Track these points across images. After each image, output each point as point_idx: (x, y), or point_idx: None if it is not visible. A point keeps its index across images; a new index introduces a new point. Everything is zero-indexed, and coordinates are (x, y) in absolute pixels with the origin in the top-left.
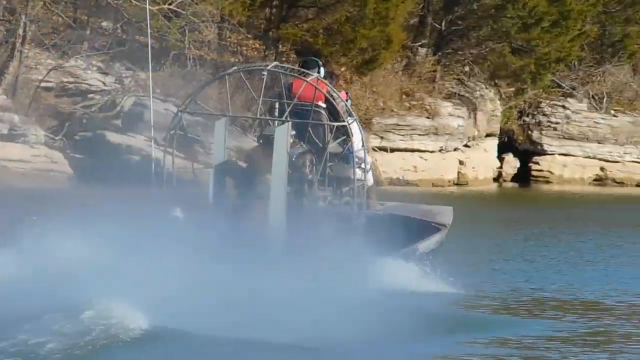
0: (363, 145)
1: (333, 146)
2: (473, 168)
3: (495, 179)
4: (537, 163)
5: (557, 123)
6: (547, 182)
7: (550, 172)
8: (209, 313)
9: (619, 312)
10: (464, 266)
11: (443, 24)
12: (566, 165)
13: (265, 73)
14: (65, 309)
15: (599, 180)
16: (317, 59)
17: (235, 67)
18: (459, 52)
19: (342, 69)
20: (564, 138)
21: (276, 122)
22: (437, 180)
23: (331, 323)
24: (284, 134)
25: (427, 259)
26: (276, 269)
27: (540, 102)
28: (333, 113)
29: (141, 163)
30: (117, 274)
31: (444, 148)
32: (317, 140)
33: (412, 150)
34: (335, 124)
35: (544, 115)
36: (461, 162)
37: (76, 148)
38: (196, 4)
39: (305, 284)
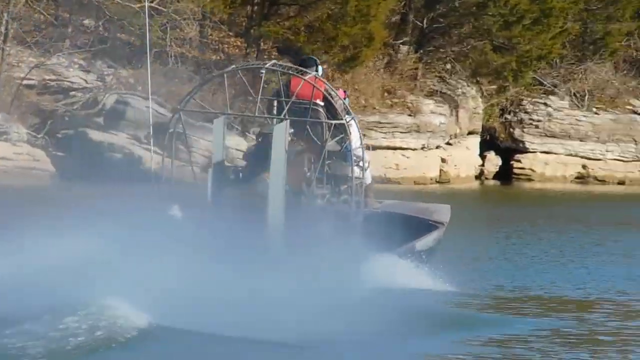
0: (361, 144)
1: (331, 144)
2: (455, 166)
3: (477, 177)
4: (519, 161)
5: (538, 121)
6: (529, 180)
7: (532, 170)
8: (206, 312)
9: (602, 309)
10: (447, 264)
11: (424, 21)
12: (548, 163)
13: (264, 71)
14: (64, 308)
15: (581, 178)
16: (315, 58)
17: (234, 66)
18: (441, 50)
19: (324, 66)
20: (546, 136)
21: (274, 120)
22: (419, 178)
23: (324, 321)
24: (282, 132)
25: (425, 256)
26: (273, 268)
27: (522, 100)
28: (331, 111)
29: (123, 161)
30: (115, 273)
31: (426, 146)
32: (316, 138)
33: (394, 148)
34: (334, 121)
35: (526, 112)
36: (443, 160)
37: (58, 146)
38: (178, 1)
39: (301, 282)
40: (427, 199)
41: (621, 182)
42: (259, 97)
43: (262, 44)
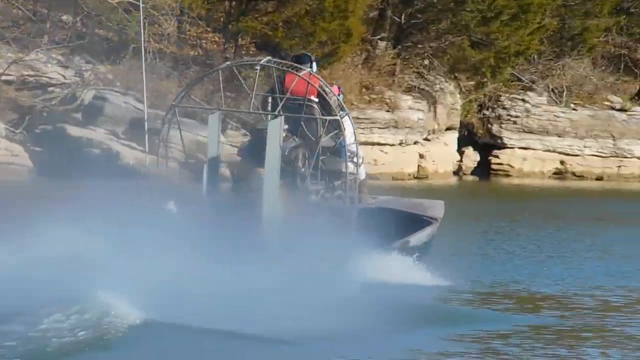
0: (355, 140)
1: (325, 140)
2: (433, 161)
3: (455, 173)
4: (497, 156)
5: (516, 116)
6: (507, 175)
7: (510, 166)
8: (199, 307)
9: (580, 305)
10: (426, 260)
11: (402, 17)
12: (526, 159)
13: (258, 67)
14: (60, 302)
15: (559, 174)
16: (309, 54)
17: (229, 62)
18: (419, 46)
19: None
20: (524, 131)
21: (269, 116)
22: (397, 174)
23: (314, 317)
24: (276, 128)
25: (419, 251)
26: (268, 263)
27: (500, 96)
28: (325, 107)
29: (101, 156)
30: (111, 268)
31: (404, 141)
32: (310, 134)
33: (372, 144)
34: (328, 117)
35: (504, 108)
36: (421, 156)
37: (36, 141)
38: None
39: (294, 278)
40: (406, 195)
41: (599, 178)
42: (254, 93)
43: (240, 39)
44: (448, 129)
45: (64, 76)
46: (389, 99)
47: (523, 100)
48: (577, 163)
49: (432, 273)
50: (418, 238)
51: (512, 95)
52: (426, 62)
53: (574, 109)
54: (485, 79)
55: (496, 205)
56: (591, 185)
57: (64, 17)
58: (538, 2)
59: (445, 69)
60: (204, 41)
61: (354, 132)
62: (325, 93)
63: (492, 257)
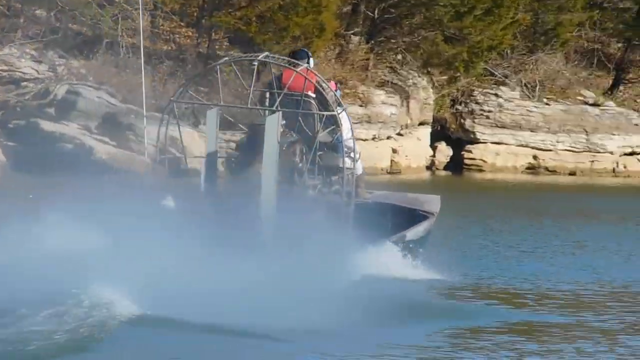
0: (352, 135)
1: (323, 135)
2: (406, 156)
3: (428, 167)
4: (470, 151)
5: (489, 111)
6: (480, 170)
7: (483, 161)
8: (194, 301)
9: (553, 300)
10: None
11: (376, 12)
12: (499, 154)
13: (256, 63)
14: (57, 295)
15: (532, 169)
16: (306, 50)
17: (227, 58)
18: (392, 41)
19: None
20: (497, 126)
21: (267, 111)
22: (370, 169)
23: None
24: (274, 123)
25: (415, 246)
26: (264, 258)
27: (473, 91)
28: (323, 103)
29: (74, 151)
30: (108, 261)
31: (377, 136)
32: (307, 130)
33: None
34: (325, 113)
35: (477, 103)
36: (394, 151)
37: (10, 136)
38: None
39: (289, 272)
40: (378, 190)
41: (572, 173)
42: (252, 88)
43: (213, 34)
44: (421, 123)
45: (37, 71)
46: (362, 93)
47: (496, 95)
48: (550, 158)
49: (423, 268)
50: (414, 232)
51: (485, 90)
52: (399, 56)
53: (546, 104)
54: (458, 74)
55: (469, 200)
56: (564, 180)
57: (38, 12)
58: None
59: (419, 63)
60: (177, 36)
61: (351, 128)
62: (323, 88)
63: (463, 251)
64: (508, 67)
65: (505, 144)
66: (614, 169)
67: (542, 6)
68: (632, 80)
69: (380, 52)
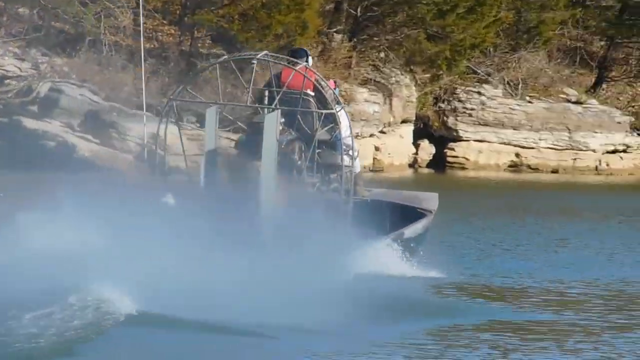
0: (350, 133)
1: (321, 133)
2: (389, 154)
3: (411, 165)
4: (453, 149)
5: (472, 109)
6: (463, 168)
7: (466, 159)
8: (192, 298)
9: (535, 297)
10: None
11: (358, 10)
12: (481, 152)
13: (255, 62)
14: (54, 293)
15: (514, 167)
16: (305, 49)
17: (226, 56)
18: (375, 38)
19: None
20: (479, 124)
21: (266, 109)
22: None
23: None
24: (273, 121)
25: (413, 243)
26: (263, 256)
27: (456, 89)
28: (321, 101)
29: (57, 149)
30: (106, 259)
31: (359, 134)
32: (306, 128)
33: None
34: (324, 111)
35: (460, 101)
36: (377, 148)
37: None
38: None
39: (287, 270)
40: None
41: (554, 171)
42: (250, 86)
43: (196, 32)
44: (404, 121)
45: (20, 69)
46: (345, 91)
47: (479, 93)
48: (533, 156)
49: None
50: (412, 230)
51: (467, 88)
52: (382, 54)
53: (529, 102)
54: (441, 72)
55: (451, 197)
56: (546, 178)
57: (21, 10)
58: None
59: (401, 61)
60: (160, 34)
61: (350, 126)
62: (321, 87)
63: (446, 249)
64: (491, 65)
65: (488, 141)
66: (596, 167)
67: (524, 4)
68: (615, 78)
69: (363, 50)
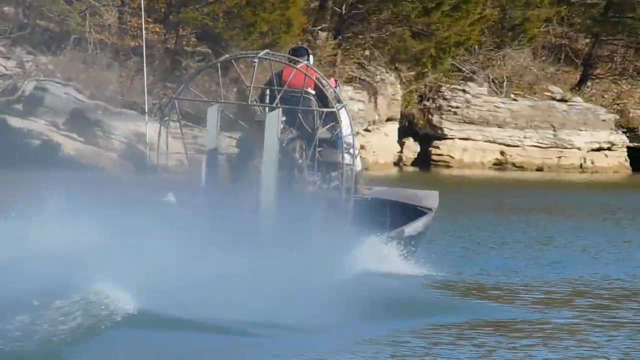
0: (351, 131)
1: (322, 132)
2: (374, 152)
3: (396, 164)
4: (438, 147)
5: (457, 107)
6: (448, 166)
7: (451, 157)
8: (190, 296)
9: (520, 296)
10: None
11: (343, 7)
12: (466, 150)
13: (257, 60)
14: (54, 291)
15: (499, 165)
16: (306, 48)
17: (227, 55)
18: (360, 36)
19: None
20: (464, 122)
21: (267, 108)
22: None
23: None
24: (274, 120)
25: (413, 241)
26: (263, 255)
27: (441, 86)
28: (322, 99)
29: (42, 147)
30: (107, 257)
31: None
32: (307, 126)
33: None
34: (325, 110)
35: (444, 99)
36: (362, 147)
37: None
38: None
39: (287, 268)
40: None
41: (539, 169)
42: (251, 85)
43: (180, 30)
44: (388, 119)
45: (5, 67)
46: None
47: (463, 90)
48: (517, 154)
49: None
50: (413, 228)
51: (452, 86)
52: (367, 52)
53: (514, 100)
54: (426, 70)
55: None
56: (531, 176)
57: (6, 9)
58: None
59: (386, 59)
60: (145, 32)
61: (350, 124)
62: (322, 85)
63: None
64: (476, 62)
65: (473, 139)
66: (581, 165)
67: (509, 2)
68: (600, 76)
69: (348, 47)
